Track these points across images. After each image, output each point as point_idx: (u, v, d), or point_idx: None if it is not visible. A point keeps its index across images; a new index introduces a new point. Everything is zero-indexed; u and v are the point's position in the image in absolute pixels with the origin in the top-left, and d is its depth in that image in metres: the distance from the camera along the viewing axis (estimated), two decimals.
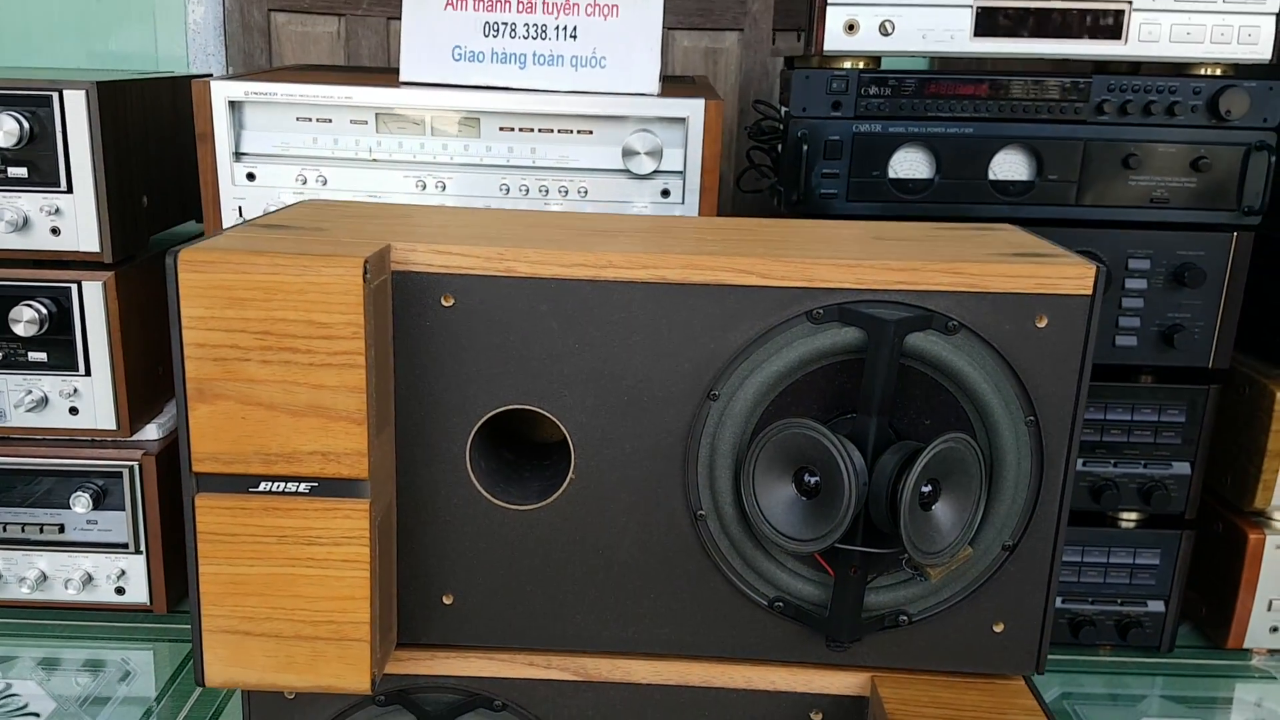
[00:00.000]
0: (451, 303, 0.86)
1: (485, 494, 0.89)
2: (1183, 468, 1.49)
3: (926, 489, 0.83)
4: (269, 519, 0.81)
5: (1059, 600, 1.54)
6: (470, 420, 0.88)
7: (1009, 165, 1.38)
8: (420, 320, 0.86)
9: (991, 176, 1.38)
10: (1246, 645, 1.60)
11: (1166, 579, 1.55)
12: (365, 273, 0.78)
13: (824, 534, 0.83)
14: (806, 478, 0.84)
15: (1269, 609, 1.57)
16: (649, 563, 0.91)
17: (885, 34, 1.33)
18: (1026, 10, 1.34)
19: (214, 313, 0.78)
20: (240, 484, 0.81)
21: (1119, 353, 1.43)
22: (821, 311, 0.84)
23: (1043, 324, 0.84)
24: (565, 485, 0.89)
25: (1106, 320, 1.42)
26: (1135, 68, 1.45)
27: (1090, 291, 0.83)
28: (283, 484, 0.80)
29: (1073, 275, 0.83)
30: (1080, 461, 1.48)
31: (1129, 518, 1.54)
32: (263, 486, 0.81)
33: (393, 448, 0.87)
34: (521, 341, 0.87)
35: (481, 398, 0.88)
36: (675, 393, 0.87)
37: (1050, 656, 1.53)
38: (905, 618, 0.91)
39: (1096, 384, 1.46)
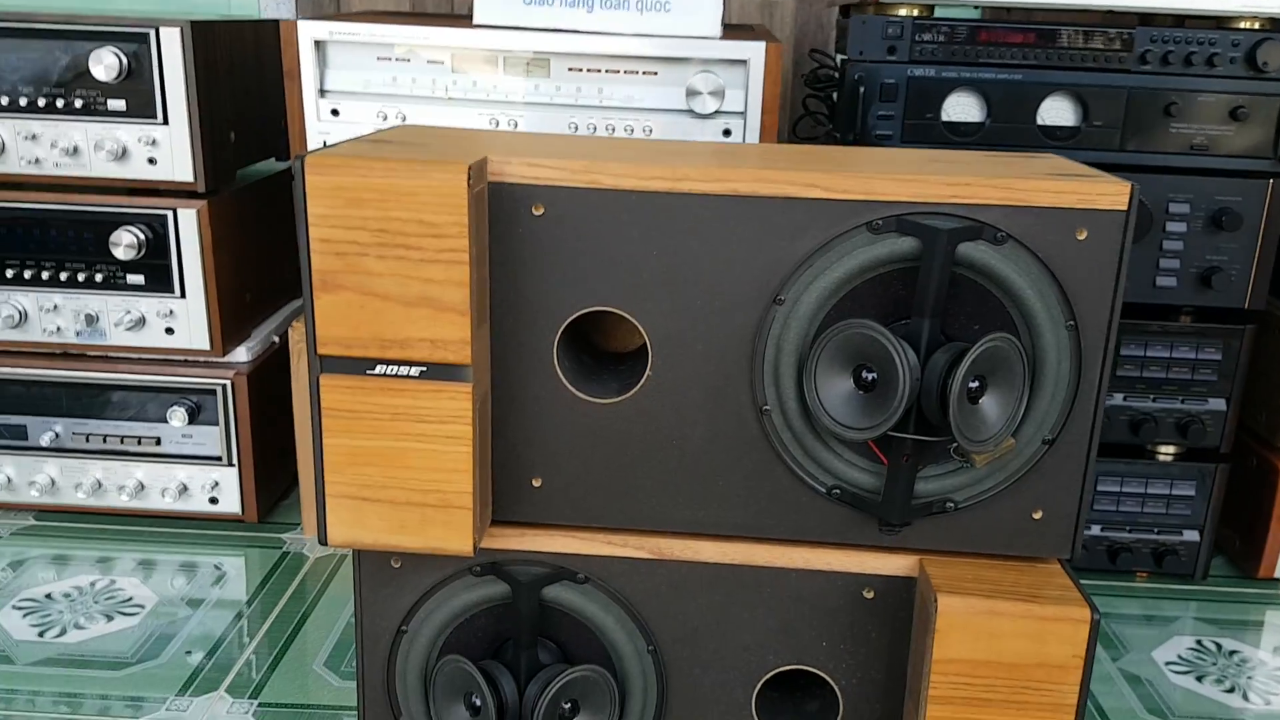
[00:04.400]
0: (541, 211, 0.95)
1: (571, 388, 0.99)
2: (1218, 404, 1.56)
3: (974, 383, 0.91)
4: (384, 398, 0.90)
5: (1097, 529, 1.62)
6: (557, 320, 0.97)
7: (1056, 111, 1.45)
8: (513, 228, 0.96)
9: (1039, 121, 1.45)
10: (1277, 575, 1.66)
11: (1201, 510, 1.61)
12: (469, 178, 0.87)
13: (879, 423, 0.91)
14: (864, 374, 0.92)
15: None
16: (717, 453, 1.00)
17: None
18: None
19: (336, 211, 0.87)
20: (359, 366, 0.90)
21: (1159, 293, 1.50)
22: (880, 222, 0.93)
23: (1083, 236, 0.92)
24: (643, 381, 0.98)
25: (1147, 261, 1.49)
26: (1179, 20, 1.51)
27: (1126, 208, 0.91)
28: (396, 367, 0.90)
29: (1110, 192, 0.91)
30: (1120, 396, 1.56)
31: (1166, 451, 1.60)
32: (379, 369, 0.90)
33: (488, 343, 0.97)
34: (604, 248, 0.96)
35: (568, 300, 0.97)
36: (744, 297, 0.96)
37: (1088, 581, 1.63)
38: (952, 504, 0.99)
39: (1136, 322, 1.53)
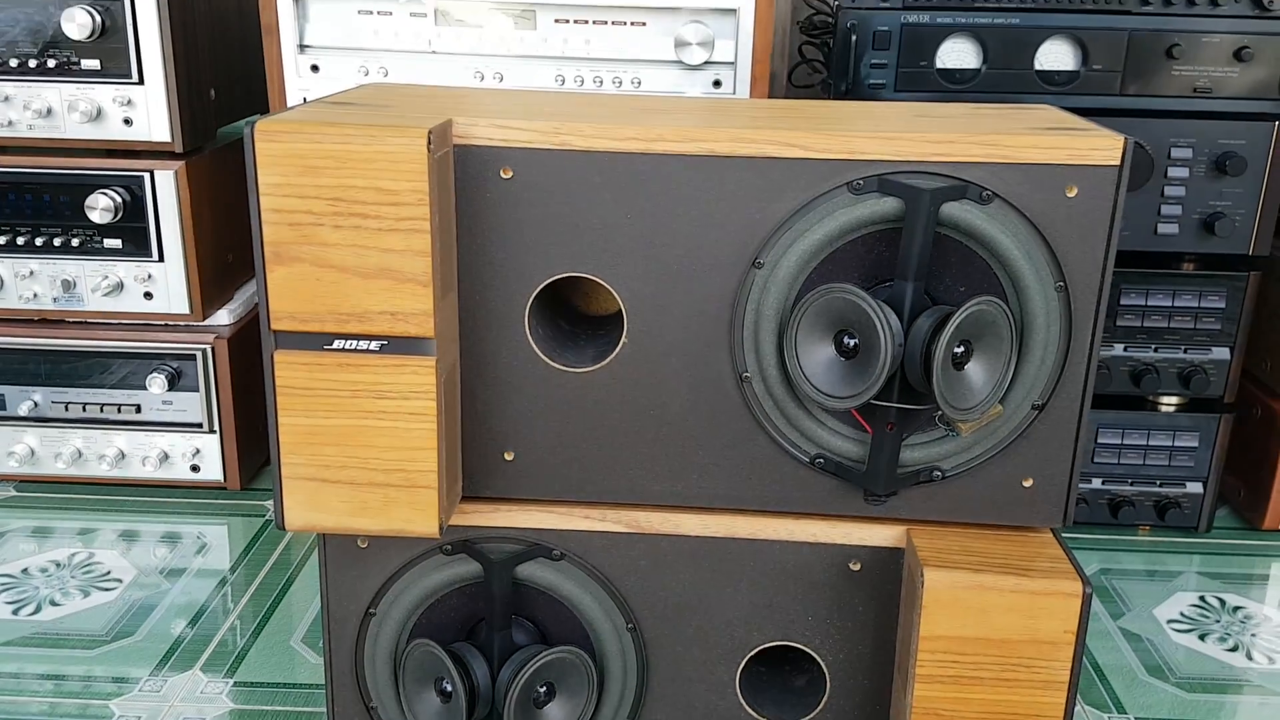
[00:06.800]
0: (510, 175, 0.91)
1: (543, 357, 0.95)
2: (1222, 353, 1.52)
3: (959, 349, 0.87)
4: (342, 374, 0.87)
5: (1098, 482, 1.58)
6: (529, 287, 0.94)
7: (1054, 55, 1.40)
8: (481, 192, 0.91)
9: (1037, 66, 1.40)
10: None
11: (1205, 461, 1.58)
12: (429, 142, 0.83)
13: (861, 391, 0.88)
14: (846, 339, 0.89)
15: None
16: (697, 422, 0.96)
17: None
18: None
19: (289, 180, 0.83)
20: (315, 341, 0.86)
21: (1161, 240, 1.46)
22: (861, 182, 0.88)
23: (1073, 194, 0.88)
24: (619, 349, 0.94)
25: (1149, 208, 1.44)
26: None
27: (1118, 162, 0.87)
28: (355, 342, 0.86)
29: (1102, 146, 0.87)
30: (1121, 346, 1.52)
31: (1169, 402, 1.57)
32: (336, 344, 0.86)
33: (456, 312, 0.93)
34: (577, 212, 0.92)
35: (539, 266, 0.93)
36: (722, 261, 0.92)
37: (1089, 535, 1.60)
38: (939, 473, 0.96)
39: (1138, 270, 1.49)
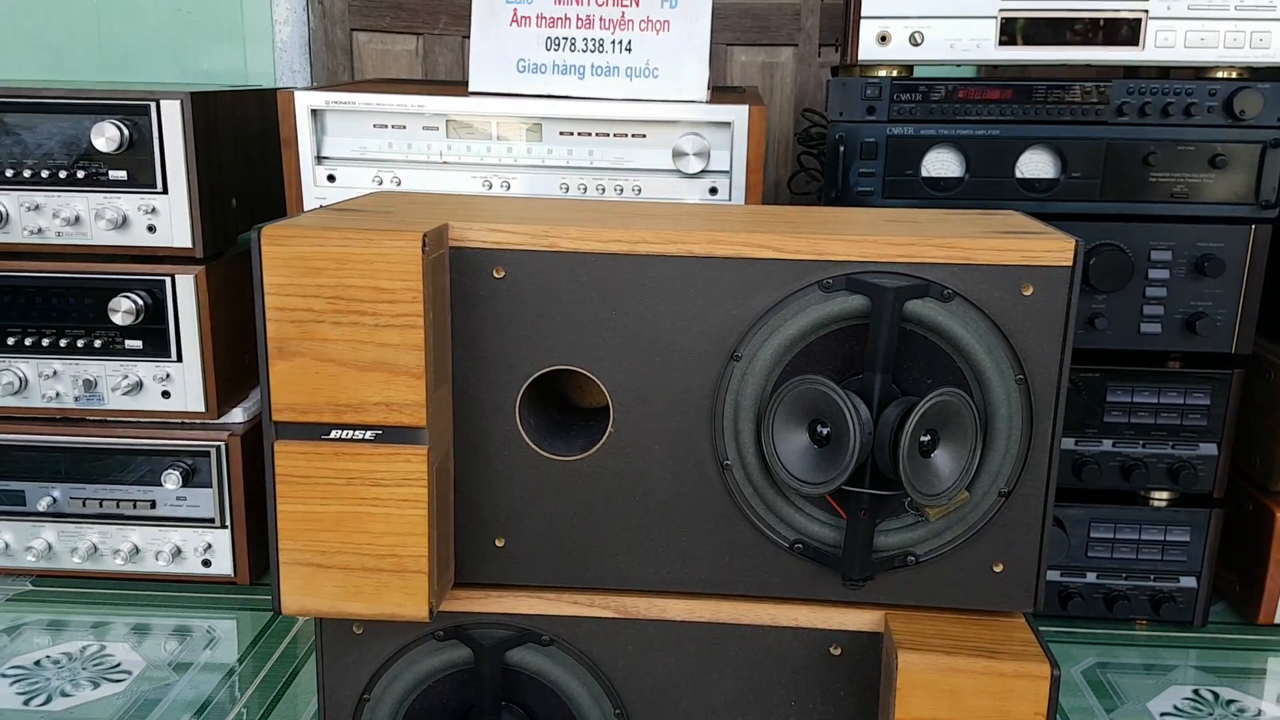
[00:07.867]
0: (502, 275, 0.97)
1: (533, 446, 1.00)
2: (1209, 449, 1.55)
3: (925, 438, 0.92)
4: (338, 462, 0.92)
5: (1093, 576, 1.60)
6: (520, 380, 0.99)
7: (1035, 164, 1.46)
8: (475, 290, 0.97)
9: (1018, 175, 1.45)
10: (1278, 621, 1.64)
11: (1197, 555, 1.60)
12: (424, 245, 0.89)
13: (833, 476, 0.92)
14: (819, 428, 0.93)
15: None
16: (681, 508, 1.00)
17: (915, 44, 1.42)
18: (1047, 20, 1.42)
19: (292, 280, 0.89)
20: (314, 431, 0.92)
21: (1144, 339, 1.50)
22: (831, 281, 0.94)
23: (1029, 292, 0.93)
24: (604, 438, 0.99)
25: (1131, 308, 1.49)
26: (1163, 73, 1.52)
27: (1070, 263, 0.92)
28: (351, 431, 0.91)
29: (1054, 249, 0.92)
30: (1110, 442, 1.55)
31: (1160, 497, 1.59)
32: (333, 434, 0.92)
33: (449, 403, 0.98)
34: (565, 309, 0.97)
35: (530, 359, 0.98)
36: (702, 354, 0.97)
37: (1085, 630, 1.62)
38: (913, 558, 0.99)
39: (1124, 368, 1.53)
